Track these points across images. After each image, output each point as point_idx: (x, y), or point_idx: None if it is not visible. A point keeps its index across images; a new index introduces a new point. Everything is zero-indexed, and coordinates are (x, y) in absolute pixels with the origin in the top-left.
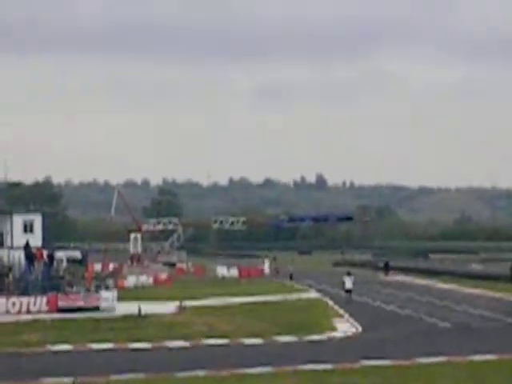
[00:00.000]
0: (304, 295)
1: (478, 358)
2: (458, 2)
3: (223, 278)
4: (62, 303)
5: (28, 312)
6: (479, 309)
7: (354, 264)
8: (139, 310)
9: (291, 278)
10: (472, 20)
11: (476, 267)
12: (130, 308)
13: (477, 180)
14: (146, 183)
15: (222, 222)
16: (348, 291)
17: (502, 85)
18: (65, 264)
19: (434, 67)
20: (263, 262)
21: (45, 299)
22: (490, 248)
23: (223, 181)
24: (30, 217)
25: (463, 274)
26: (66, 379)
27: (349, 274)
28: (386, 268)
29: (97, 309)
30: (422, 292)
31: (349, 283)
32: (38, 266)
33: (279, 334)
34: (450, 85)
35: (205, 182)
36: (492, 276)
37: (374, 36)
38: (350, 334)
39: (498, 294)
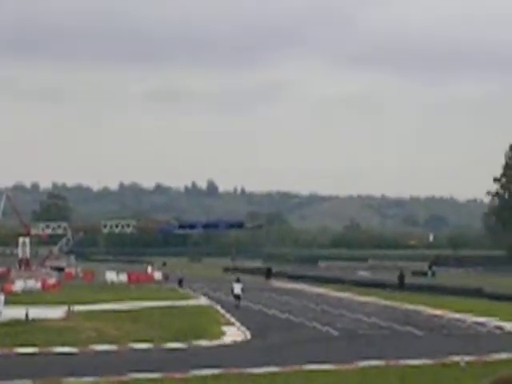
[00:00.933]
0: (193, 301)
1: (365, 363)
2: (356, 12)
3: (112, 283)
4: None
5: None
6: (366, 316)
7: (243, 270)
8: (27, 315)
9: (180, 283)
10: (368, 31)
11: (363, 274)
12: (17, 312)
13: (366, 188)
14: (35, 187)
15: (111, 227)
16: (237, 297)
17: (397, 94)
18: None
19: (327, 77)
20: (146, 269)
21: None
22: (378, 255)
23: (113, 185)
24: None
25: (350, 281)
26: None
27: (238, 280)
28: (269, 274)
29: None
30: (312, 299)
31: (238, 289)
32: None
33: (168, 340)
34: (346, 94)
35: (95, 186)
36: (379, 283)
37: (271, 45)
38: (238, 340)
39: (385, 302)
